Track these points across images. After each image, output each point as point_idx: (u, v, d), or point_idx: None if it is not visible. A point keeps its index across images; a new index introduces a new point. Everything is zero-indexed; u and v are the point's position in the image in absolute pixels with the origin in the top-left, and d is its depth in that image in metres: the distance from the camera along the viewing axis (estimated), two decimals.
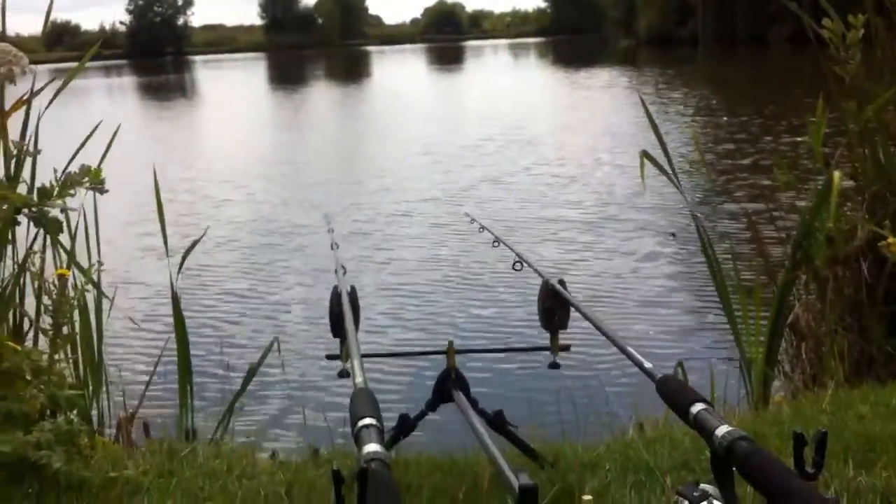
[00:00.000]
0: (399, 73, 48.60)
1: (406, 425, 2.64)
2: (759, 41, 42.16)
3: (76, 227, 3.68)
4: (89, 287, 3.58)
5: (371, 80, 44.92)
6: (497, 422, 2.60)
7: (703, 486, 1.16)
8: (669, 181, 4.44)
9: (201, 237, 4.26)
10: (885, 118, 4.14)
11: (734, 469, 1.12)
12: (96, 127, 3.63)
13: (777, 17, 40.22)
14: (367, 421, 1.15)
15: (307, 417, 4.50)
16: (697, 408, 1.23)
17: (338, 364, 2.60)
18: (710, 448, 1.16)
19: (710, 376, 4.13)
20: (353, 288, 2.37)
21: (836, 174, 4.08)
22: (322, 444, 3.41)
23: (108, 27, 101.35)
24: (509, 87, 32.11)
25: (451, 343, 2.62)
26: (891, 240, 3.79)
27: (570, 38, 77.93)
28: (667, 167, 4.39)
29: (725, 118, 17.01)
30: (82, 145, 3.50)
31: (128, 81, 49.70)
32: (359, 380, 1.34)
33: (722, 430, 1.14)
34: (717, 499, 1.13)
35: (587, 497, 1.07)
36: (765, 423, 3.10)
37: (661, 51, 47.32)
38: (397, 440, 2.66)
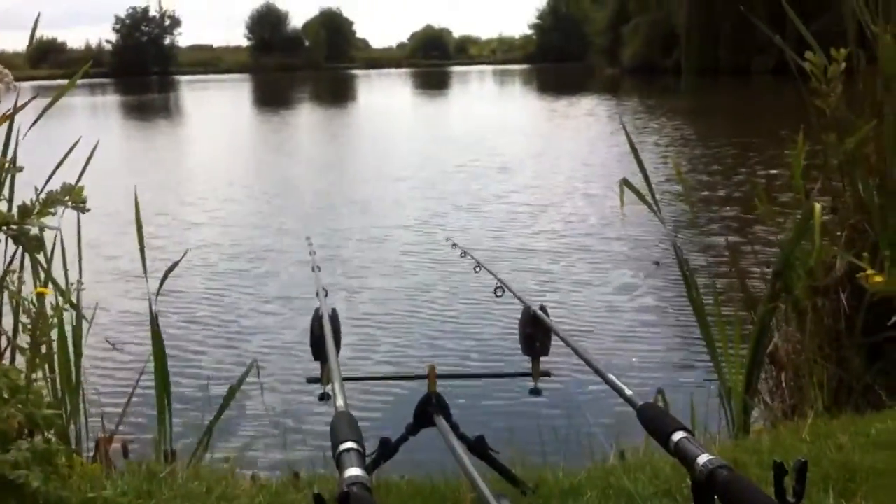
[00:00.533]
0: (385, 97, 48.71)
1: (387, 449, 2.63)
2: (743, 72, 42.55)
3: (53, 247, 3.66)
4: (67, 307, 3.56)
5: (356, 103, 45.00)
6: (478, 447, 2.59)
7: None
8: (650, 210, 4.45)
9: (180, 260, 4.24)
10: (864, 151, 4.19)
11: (715, 498, 1.12)
12: (74, 145, 3.61)
13: (761, 49, 40.61)
14: (348, 445, 1.15)
15: (288, 440, 4.48)
16: (678, 436, 1.23)
17: (318, 387, 2.59)
18: (690, 476, 1.17)
19: (690, 404, 4.13)
20: (334, 311, 2.36)
21: (817, 206, 4.11)
22: (302, 467, 3.39)
23: (94, 45, 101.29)
24: (493, 114, 32.25)
25: (432, 367, 2.61)
26: (870, 271, 3.82)
27: (555, 66, 78.47)
28: (647, 196, 4.41)
29: (702, 149, 17.12)
30: (60, 163, 3.49)
31: (112, 100, 49.58)
32: (339, 403, 1.33)
33: (703, 458, 1.15)
34: None
35: None
36: (745, 452, 3.11)
37: (645, 80, 47.68)
38: (378, 464, 2.65)
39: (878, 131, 4.14)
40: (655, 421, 1.32)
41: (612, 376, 1.55)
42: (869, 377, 3.96)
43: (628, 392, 1.46)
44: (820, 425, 3.39)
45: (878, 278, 3.78)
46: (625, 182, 4.48)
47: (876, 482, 2.70)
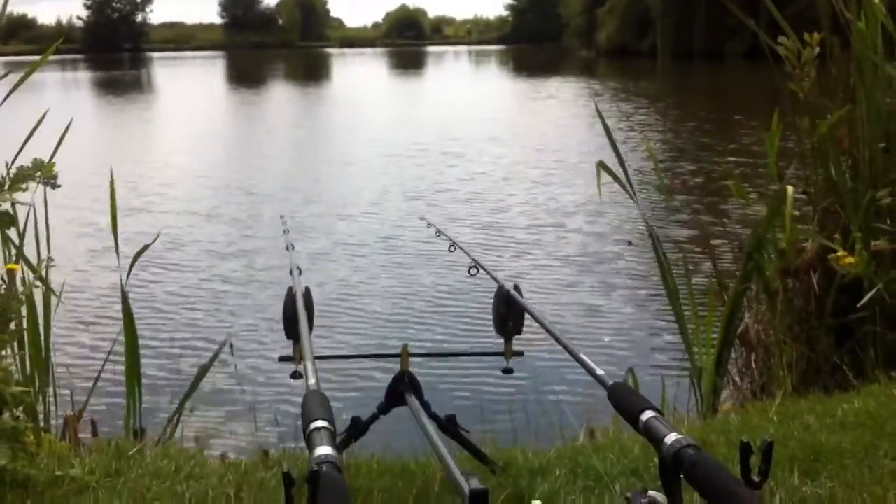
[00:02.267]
0: (360, 77, 48.45)
1: (358, 428, 2.63)
2: (717, 56, 42.66)
3: (26, 223, 3.63)
4: (38, 283, 3.53)
5: (331, 83, 44.73)
6: (449, 426, 2.60)
7: (651, 493, 1.17)
8: (624, 191, 4.47)
9: (153, 241, 4.21)
10: (837, 135, 4.22)
11: (682, 477, 1.13)
12: (42, 119, 3.56)
13: (734, 32, 40.71)
14: (319, 423, 1.14)
15: (258, 419, 4.47)
16: (647, 415, 1.24)
17: (290, 366, 2.58)
18: (658, 455, 1.17)
19: (660, 384, 4.17)
20: (307, 289, 2.35)
21: (790, 189, 4.15)
22: (273, 445, 3.39)
23: (65, 21, 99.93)
24: (470, 95, 32.16)
25: (405, 346, 2.62)
26: (840, 253, 3.86)
27: (530, 47, 78.31)
28: (622, 177, 4.43)
29: (675, 133, 17.17)
30: (27, 139, 3.44)
31: (84, 76, 48.99)
32: (311, 382, 1.33)
33: (671, 437, 1.15)
34: None
35: (537, 502, 1.07)
36: (713, 432, 3.14)
37: (620, 63, 47.69)
38: (349, 443, 2.65)
39: (851, 116, 4.18)
40: (625, 400, 1.33)
41: (583, 356, 1.56)
42: (837, 358, 4.00)
43: (599, 372, 1.47)
44: (788, 405, 3.42)
45: (849, 260, 3.82)
46: (601, 164, 4.49)
47: (841, 462, 2.73)
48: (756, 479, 1.04)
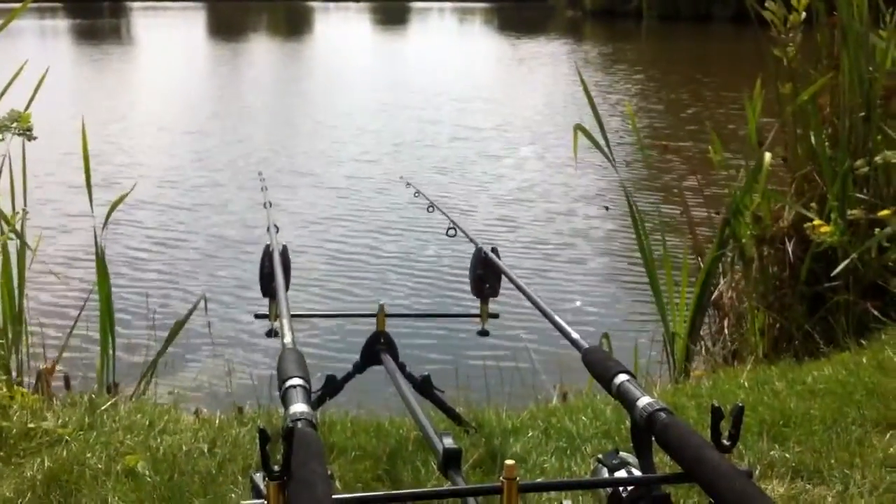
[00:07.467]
0: (342, 33, 47.94)
1: (333, 386, 2.64)
2: (704, 19, 42.50)
3: None
4: (11, 235, 3.50)
5: (313, 38, 44.25)
6: (424, 386, 2.62)
7: (622, 454, 1.18)
8: (602, 154, 4.45)
9: (128, 193, 4.16)
10: (819, 102, 4.22)
11: (653, 439, 1.14)
12: (18, 72, 3.50)
13: None
14: (295, 381, 1.15)
15: (233, 376, 4.47)
16: (621, 379, 1.25)
17: (266, 323, 2.58)
18: (630, 418, 1.18)
19: (634, 348, 4.20)
20: (284, 247, 2.35)
21: (767, 155, 4.15)
22: (248, 402, 3.40)
23: None
24: (453, 52, 31.93)
25: (381, 306, 2.62)
26: (816, 222, 3.88)
27: (515, 6, 77.63)
28: (601, 141, 4.41)
29: (657, 96, 17.08)
30: (5, 90, 3.39)
31: (62, 25, 48.20)
32: (287, 339, 1.33)
33: (643, 401, 1.16)
34: (634, 467, 1.15)
35: (509, 462, 1.08)
36: (684, 396, 3.17)
37: (605, 23, 47.43)
38: (324, 401, 2.66)
39: (834, 83, 4.18)
40: (599, 364, 1.34)
41: (559, 319, 1.56)
42: (809, 325, 4.04)
43: (574, 335, 1.47)
44: (759, 371, 3.46)
45: (825, 229, 3.84)
46: (579, 128, 4.46)
47: (809, 428, 2.77)
48: (726, 442, 1.06)
